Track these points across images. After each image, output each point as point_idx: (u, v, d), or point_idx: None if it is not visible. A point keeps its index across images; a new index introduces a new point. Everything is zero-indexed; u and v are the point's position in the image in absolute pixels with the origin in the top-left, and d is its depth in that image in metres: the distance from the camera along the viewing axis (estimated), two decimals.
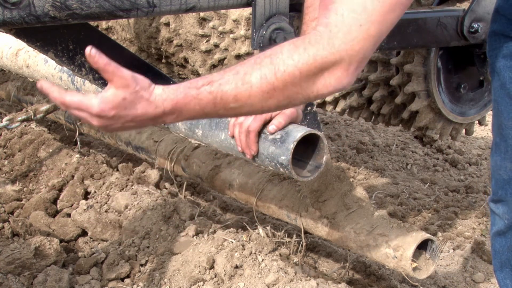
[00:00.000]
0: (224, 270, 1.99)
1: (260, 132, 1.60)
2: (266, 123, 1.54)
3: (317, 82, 1.13)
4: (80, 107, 1.14)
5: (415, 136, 4.25)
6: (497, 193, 1.53)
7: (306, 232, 2.11)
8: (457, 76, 2.47)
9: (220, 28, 2.42)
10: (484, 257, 2.70)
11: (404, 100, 2.46)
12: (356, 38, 1.09)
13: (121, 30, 2.92)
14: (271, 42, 1.68)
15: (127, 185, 2.67)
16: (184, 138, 2.43)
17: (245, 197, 2.30)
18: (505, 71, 1.42)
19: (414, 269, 1.77)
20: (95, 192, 2.69)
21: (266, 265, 1.99)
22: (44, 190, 2.75)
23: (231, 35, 2.40)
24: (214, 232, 2.23)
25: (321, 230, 2.01)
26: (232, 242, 2.10)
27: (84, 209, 2.48)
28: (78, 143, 3.07)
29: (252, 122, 1.52)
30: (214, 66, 2.58)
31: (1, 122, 2.77)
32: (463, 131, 2.74)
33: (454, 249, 2.77)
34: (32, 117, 2.77)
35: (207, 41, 2.50)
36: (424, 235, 1.78)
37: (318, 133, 1.58)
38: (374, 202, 2.99)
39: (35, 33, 1.50)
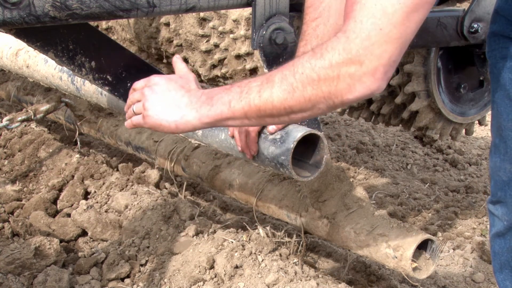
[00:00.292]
0: (224, 270, 1.99)
1: (260, 132, 1.60)
2: None
3: (339, 86, 1.13)
4: None
5: (415, 136, 4.25)
6: (496, 195, 1.52)
7: (306, 232, 2.10)
8: (457, 76, 2.47)
9: (220, 28, 2.41)
10: (484, 257, 2.70)
11: (404, 100, 2.47)
12: (376, 42, 1.09)
13: (121, 30, 2.92)
14: (271, 42, 1.68)
15: (127, 185, 2.67)
16: (184, 138, 2.43)
17: (245, 197, 2.30)
18: (505, 72, 1.42)
19: (414, 269, 1.77)
20: (95, 192, 2.69)
21: (266, 265, 1.99)
22: (44, 190, 2.75)
23: (231, 35, 2.40)
24: (214, 232, 2.23)
25: (321, 230, 2.01)
26: (232, 242, 2.10)
27: (84, 209, 2.48)
28: (78, 143, 3.07)
29: None
30: (214, 66, 2.58)
31: (1, 122, 2.77)
32: (463, 131, 2.74)
33: (454, 249, 2.78)
34: (32, 117, 2.77)
35: (207, 41, 2.50)
36: (424, 235, 1.78)
37: (318, 133, 1.58)
38: (374, 202, 2.99)
39: (35, 33, 1.50)
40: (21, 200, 2.72)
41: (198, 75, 2.75)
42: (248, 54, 2.42)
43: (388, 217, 1.91)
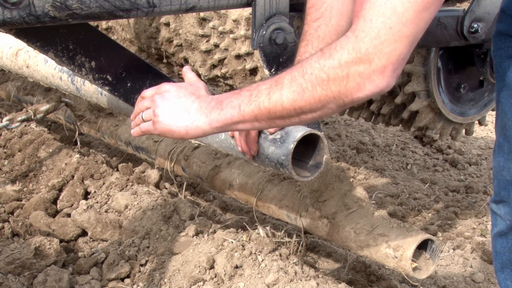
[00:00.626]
0: (224, 270, 1.99)
1: (260, 132, 1.60)
2: None
3: (349, 85, 1.13)
4: None
5: (415, 136, 4.25)
6: (499, 194, 1.52)
7: (306, 232, 2.10)
8: (457, 76, 2.47)
9: (220, 28, 2.41)
10: (484, 257, 2.70)
11: (404, 100, 2.46)
12: (386, 41, 1.09)
13: (121, 30, 2.91)
14: (271, 42, 1.68)
15: (127, 185, 2.67)
16: None
17: (245, 197, 2.30)
18: (510, 71, 1.42)
19: (414, 269, 1.77)
20: (95, 192, 2.69)
21: (266, 265, 1.99)
22: (44, 190, 2.75)
23: (231, 35, 2.40)
24: (214, 232, 2.23)
25: (321, 230, 2.01)
26: (232, 242, 2.10)
27: (84, 209, 2.48)
28: (78, 143, 3.07)
29: None
30: (214, 66, 2.58)
31: (1, 122, 2.77)
32: (463, 131, 2.74)
33: (454, 249, 2.78)
34: (32, 117, 2.77)
35: (207, 41, 2.50)
36: (424, 235, 1.78)
37: (318, 133, 1.58)
38: (374, 202, 2.99)
39: (35, 33, 1.50)
40: (21, 200, 2.72)
41: (198, 75, 2.75)
42: (248, 54, 2.42)
43: (388, 217, 1.91)
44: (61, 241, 2.38)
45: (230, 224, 2.41)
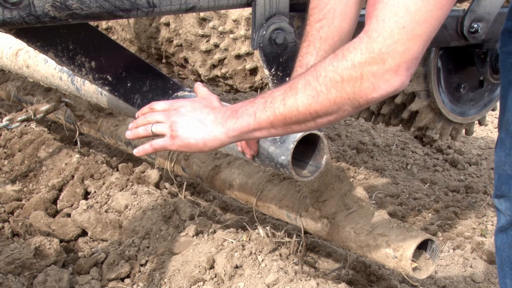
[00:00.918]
0: (224, 270, 1.99)
1: None
2: None
3: (363, 86, 1.13)
4: None
5: (415, 136, 4.26)
6: (500, 188, 1.53)
7: (306, 232, 2.10)
8: (457, 76, 2.47)
9: (220, 28, 2.41)
10: (484, 257, 2.70)
11: (404, 100, 2.46)
12: (399, 40, 1.09)
13: (121, 30, 2.92)
14: (271, 42, 1.68)
15: (127, 185, 2.67)
16: None
17: (245, 197, 2.30)
18: None
19: (414, 269, 1.77)
20: (95, 192, 2.69)
21: (266, 265, 1.99)
22: (44, 190, 2.75)
23: (231, 35, 2.40)
24: (214, 232, 2.23)
25: (321, 230, 2.01)
26: (232, 242, 2.10)
27: (84, 209, 2.48)
28: (78, 143, 3.07)
29: None
30: (214, 66, 2.58)
31: (1, 122, 2.77)
32: (463, 131, 2.74)
33: (454, 249, 2.78)
34: (32, 117, 2.77)
35: (207, 41, 2.50)
36: (424, 235, 1.78)
37: (318, 133, 1.58)
38: (374, 202, 2.99)
39: (35, 33, 1.50)
40: (21, 200, 2.72)
41: (198, 75, 2.75)
42: (248, 54, 2.42)
43: (388, 217, 1.91)
44: (61, 241, 2.38)
45: (230, 224, 2.41)
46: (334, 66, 1.14)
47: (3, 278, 1.97)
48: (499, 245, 1.58)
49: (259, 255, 2.04)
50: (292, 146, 1.53)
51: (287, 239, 2.19)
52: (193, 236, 2.21)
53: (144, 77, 1.81)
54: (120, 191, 2.62)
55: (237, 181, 2.32)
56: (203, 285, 2.00)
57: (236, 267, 2.00)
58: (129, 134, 1.41)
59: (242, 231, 2.25)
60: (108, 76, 1.73)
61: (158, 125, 1.36)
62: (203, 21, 2.47)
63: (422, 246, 1.79)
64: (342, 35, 1.48)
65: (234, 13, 2.35)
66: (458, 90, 2.48)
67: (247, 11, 2.28)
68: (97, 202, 2.60)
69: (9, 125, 2.76)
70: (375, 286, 2.34)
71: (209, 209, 2.71)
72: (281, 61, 1.72)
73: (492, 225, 3.01)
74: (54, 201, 2.68)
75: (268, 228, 2.22)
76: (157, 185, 2.77)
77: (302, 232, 2.11)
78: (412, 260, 1.76)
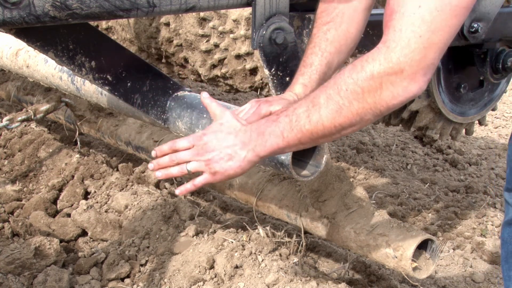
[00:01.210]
0: (224, 270, 1.99)
1: None
2: None
3: (383, 95, 1.17)
4: None
5: (415, 136, 4.25)
6: (511, 182, 1.54)
7: (306, 232, 2.10)
8: (457, 76, 2.47)
9: (220, 28, 2.42)
10: (484, 257, 2.70)
11: None
12: (416, 49, 1.13)
13: (121, 30, 2.92)
14: (271, 42, 1.68)
15: (127, 185, 2.67)
16: None
17: (245, 197, 2.30)
18: None
19: (414, 269, 1.77)
20: (95, 192, 2.69)
21: (266, 265, 1.99)
22: (44, 190, 2.75)
23: (231, 35, 2.40)
24: (214, 232, 2.23)
25: (321, 230, 2.01)
26: (232, 242, 2.10)
27: (84, 209, 2.48)
28: (78, 143, 3.07)
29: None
30: (214, 66, 2.58)
31: (1, 122, 2.77)
32: (463, 131, 2.74)
33: (454, 249, 2.78)
34: (32, 117, 2.77)
35: (207, 41, 2.50)
36: (424, 235, 1.78)
37: None
38: (374, 202, 2.99)
39: (35, 33, 1.50)
40: (21, 200, 2.72)
41: (198, 75, 2.75)
42: (248, 54, 2.42)
43: (388, 217, 1.91)
44: (61, 241, 2.38)
45: (230, 224, 2.41)
46: (354, 78, 1.18)
47: (3, 278, 1.97)
48: (506, 238, 1.59)
49: (259, 255, 2.04)
50: None
51: (287, 239, 2.19)
52: (193, 236, 2.21)
53: (144, 77, 1.81)
54: (120, 191, 2.62)
55: (237, 181, 2.32)
56: (203, 285, 2.00)
57: (236, 267, 2.00)
58: (160, 175, 1.42)
59: (242, 231, 2.25)
60: (108, 76, 1.72)
61: (192, 163, 1.38)
62: (203, 21, 2.47)
63: (422, 246, 1.79)
64: (348, 39, 1.51)
65: (234, 13, 2.35)
66: (458, 90, 2.48)
67: (247, 11, 2.28)
68: (97, 202, 2.60)
69: (9, 125, 2.76)
70: (375, 286, 2.34)
71: (209, 209, 2.70)
72: (281, 61, 1.72)
73: (492, 225, 3.01)
74: (54, 201, 2.68)
75: (268, 228, 2.22)
76: (157, 185, 2.77)
77: (302, 232, 2.11)
78: (412, 260, 1.76)
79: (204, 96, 1.46)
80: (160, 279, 2.05)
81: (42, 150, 3.05)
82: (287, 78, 1.73)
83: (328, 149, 1.60)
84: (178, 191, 1.42)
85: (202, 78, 2.69)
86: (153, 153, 1.43)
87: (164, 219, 2.33)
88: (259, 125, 1.33)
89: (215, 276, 2.01)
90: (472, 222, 3.02)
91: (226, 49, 2.46)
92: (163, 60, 2.84)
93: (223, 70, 2.55)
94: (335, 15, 1.51)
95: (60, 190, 2.73)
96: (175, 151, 1.40)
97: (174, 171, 1.40)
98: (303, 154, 1.60)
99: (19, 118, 2.76)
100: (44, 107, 2.81)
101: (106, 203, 2.59)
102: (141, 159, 2.98)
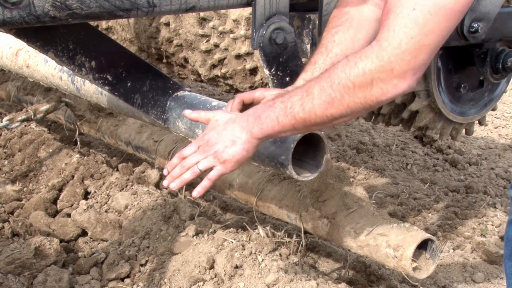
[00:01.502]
0: (224, 270, 1.99)
1: None
2: None
3: (373, 91, 1.23)
4: None
5: (415, 136, 4.25)
6: None
7: (306, 232, 2.10)
8: (457, 76, 2.47)
9: (220, 28, 2.42)
10: (484, 257, 2.70)
11: (404, 100, 2.46)
12: (407, 50, 1.18)
13: (121, 30, 2.92)
14: (271, 42, 1.69)
15: (127, 185, 2.67)
16: (184, 138, 2.43)
17: (245, 197, 2.30)
18: None
19: (414, 269, 1.77)
20: (95, 192, 2.69)
21: (266, 265, 1.99)
22: (44, 190, 2.75)
23: (231, 35, 2.40)
24: (214, 232, 2.23)
25: (321, 230, 2.01)
26: (232, 242, 2.10)
27: (84, 209, 2.48)
28: (78, 143, 3.07)
29: None
30: (214, 66, 2.58)
31: (1, 122, 2.77)
32: (463, 131, 2.74)
33: (454, 249, 2.78)
34: (32, 117, 2.77)
35: (207, 41, 2.50)
36: (424, 235, 1.78)
37: (318, 133, 1.58)
38: (374, 202, 2.99)
39: (35, 33, 1.50)
40: (21, 200, 2.72)
41: (198, 75, 2.75)
42: (248, 54, 2.42)
43: (388, 217, 1.91)
44: (61, 241, 2.38)
45: (230, 224, 2.41)
46: (346, 73, 1.24)
47: (3, 278, 1.97)
48: (510, 236, 1.60)
49: (259, 255, 2.04)
50: (292, 145, 1.53)
51: (287, 239, 2.19)
52: (193, 236, 2.21)
53: (144, 77, 1.81)
54: (120, 191, 2.62)
55: (237, 180, 2.32)
56: (203, 285, 2.00)
57: (236, 267, 2.00)
58: (174, 185, 1.46)
59: (242, 231, 2.25)
60: (108, 76, 1.73)
61: (201, 162, 1.43)
62: (203, 21, 2.47)
63: (422, 246, 1.79)
64: (355, 44, 1.56)
65: (234, 13, 2.35)
66: (458, 90, 2.48)
67: (247, 11, 2.28)
68: (97, 202, 2.60)
69: (9, 125, 2.76)
70: (375, 286, 2.34)
71: (209, 209, 2.70)
72: (281, 61, 1.73)
73: (492, 225, 3.00)
74: (54, 201, 2.68)
75: (268, 228, 2.22)
76: (157, 185, 2.77)
77: (302, 232, 2.11)
78: (412, 260, 1.76)
79: (188, 113, 1.53)
80: (160, 279, 2.05)
81: (42, 150, 3.05)
82: (287, 78, 1.74)
83: (328, 149, 1.60)
84: (195, 193, 1.45)
85: (202, 78, 2.69)
86: (165, 171, 1.48)
87: (164, 219, 2.33)
88: (256, 109, 1.40)
89: (215, 276, 2.01)
90: (472, 222, 3.02)
91: (226, 49, 2.46)
92: (163, 60, 2.84)
93: (223, 70, 2.55)
94: (344, 20, 1.57)
95: (60, 190, 2.73)
96: (184, 158, 1.45)
97: (187, 175, 1.45)
98: (303, 154, 1.60)
99: (19, 118, 2.76)
100: (44, 107, 2.81)
101: (106, 203, 2.59)
102: (141, 159, 2.98)
